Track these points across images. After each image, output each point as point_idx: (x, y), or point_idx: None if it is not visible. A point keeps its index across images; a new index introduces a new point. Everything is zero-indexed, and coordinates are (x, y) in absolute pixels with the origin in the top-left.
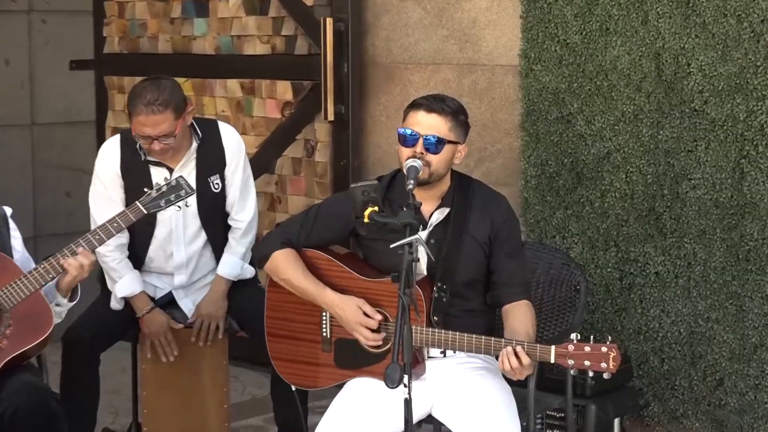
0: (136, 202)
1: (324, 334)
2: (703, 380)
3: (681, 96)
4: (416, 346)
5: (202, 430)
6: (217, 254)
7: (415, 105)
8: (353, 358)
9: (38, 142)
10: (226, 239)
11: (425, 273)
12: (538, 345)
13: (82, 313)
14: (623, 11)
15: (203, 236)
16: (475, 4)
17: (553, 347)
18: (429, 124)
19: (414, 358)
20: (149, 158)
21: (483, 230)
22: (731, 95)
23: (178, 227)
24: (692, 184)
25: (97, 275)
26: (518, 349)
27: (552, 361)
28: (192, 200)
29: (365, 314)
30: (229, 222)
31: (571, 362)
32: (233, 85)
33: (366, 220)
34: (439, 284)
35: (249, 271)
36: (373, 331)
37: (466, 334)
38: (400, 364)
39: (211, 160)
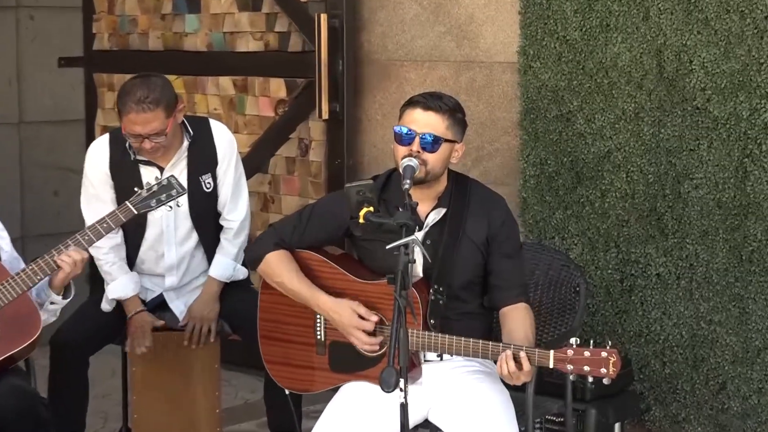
0: (126, 202)
1: (318, 337)
2: (706, 384)
3: (683, 94)
4: (412, 350)
5: None
6: (209, 255)
7: (411, 102)
8: (348, 362)
9: (26, 141)
10: (218, 240)
11: (421, 275)
12: (537, 350)
13: (71, 315)
14: (624, 7)
15: (195, 237)
16: None
17: (551, 352)
18: (426, 122)
19: (410, 361)
20: (139, 157)
21: (480, 231)
22: (734, 93)
23: (169, 228)
24: (694, 183)
25: (86, 276)
26: (521, 354)
27: (551, 366)
28: (183, 200)
29: (360, 317)
30: (221, 222)
31: (570, 367)
32: (225, 82)
33: (361, 220)
34: (435, 286)
35: (241, 273)
36: (369, 334)
37: (463, 338)
38: (396, 367)
39: (203, 159)
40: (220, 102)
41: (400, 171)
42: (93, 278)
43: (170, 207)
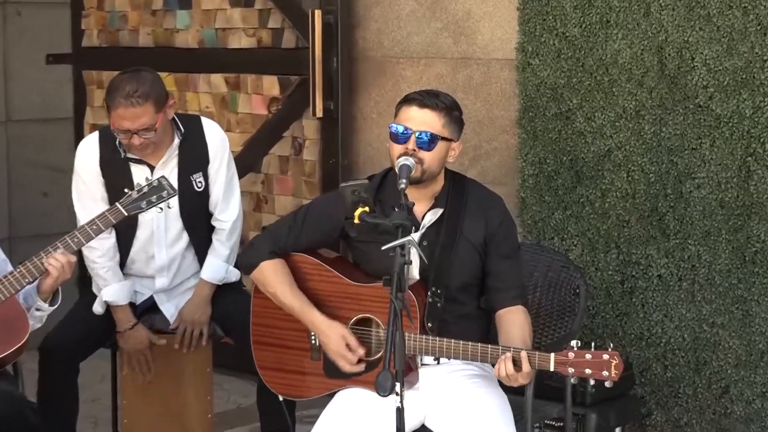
0: (116, 203)
1: (313, 341)
2: (708, 388)
3: (685, 91)
4: (409, 354)
5: None
6: (200, 257)
7: (407, 100)
8: None
9: (13, 140)
10: (210, 241)
11: (417, 277)
12: (537, 353)
13: (60, 320)
14: (624, 3)
15: (185, 238)
16: None
17: (552, 355)
18: (422, 119)
19: (406, 365)
20: (129, 155)
21: (478, 232)
22: (737, 90)
23: (160, 229)
24: (696, 183)
25: (75, 280)
26: (522, 354)
27: (551, 369)
28: (174, 201)
29: (348, 346)
30: (213, 222)
31: (571, 370)
32: (217, 80)
33: (356, 221)
34: (433, 288)
35: (234, 275)
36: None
37: (461, 342)
38: (392, 371)
39: (194, 158)
40: (211, 100)
41: (396, 170)
42: (82, 281)
43: (161, 208)
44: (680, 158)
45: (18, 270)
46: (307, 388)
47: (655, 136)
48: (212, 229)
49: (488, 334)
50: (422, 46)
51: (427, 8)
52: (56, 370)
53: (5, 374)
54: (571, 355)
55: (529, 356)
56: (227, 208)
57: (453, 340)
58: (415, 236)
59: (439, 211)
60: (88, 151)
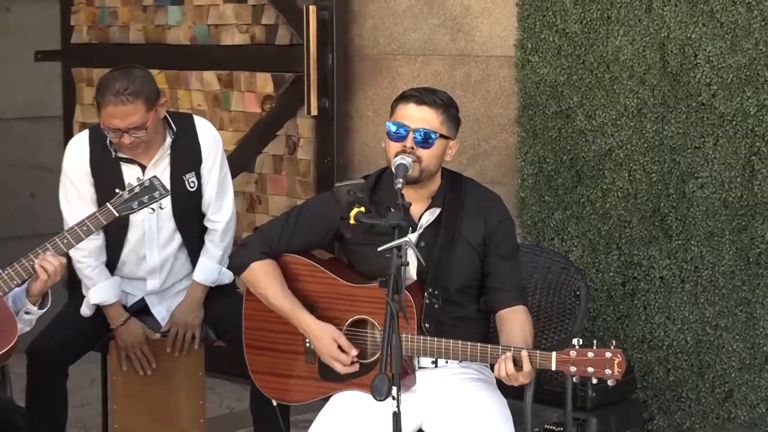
0: (107, 204)
1: (307, 344)
2: (712, 392)
3: (687, 89)
4: (406, 356)
5: None
6: (193, 258)
7: (404, 97)
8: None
9: (1, 139)
10: (202, 242)
11: (415, 278)
12: (538, 352)
13: (49, 323)
14: None
15: (178, 239)
16: None
17: (554, 353)
18: (419, 117)
19: (403, 368)
20: (120, 154)
21: (476, 232)
22: (741, 88)
23: (152, 229)
24: (699, 182)
25: (64, 282)
26: (523, 353)
27: (553, 368)
28: (166, 201)
29: (340, 347)
30: (206, 223)
31: (573, 369)
32: (210, 77)
33: (351, 221)
34: (430, 290)
35: (227, 277)
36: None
37: (460, 342)
38: (389, 375)
39: (186, 157)
40: (204, 98)
41: (393, 169)
42: (71, 284)
43: (152, 209)
44: (683, 157)
45: (6, 272)
46: (302, 392)
47: (658, 135)
48: (205, 229)
49: (487, 337)
50: (419, 42)
51: (424, 4)
52: (45, 375)
53: None
54: (573, 353)
55: (530, 355)
56: (220, 208)
57: (451, 340)
58: (413, 237)
59: (437, 211)
60: (78, 151)
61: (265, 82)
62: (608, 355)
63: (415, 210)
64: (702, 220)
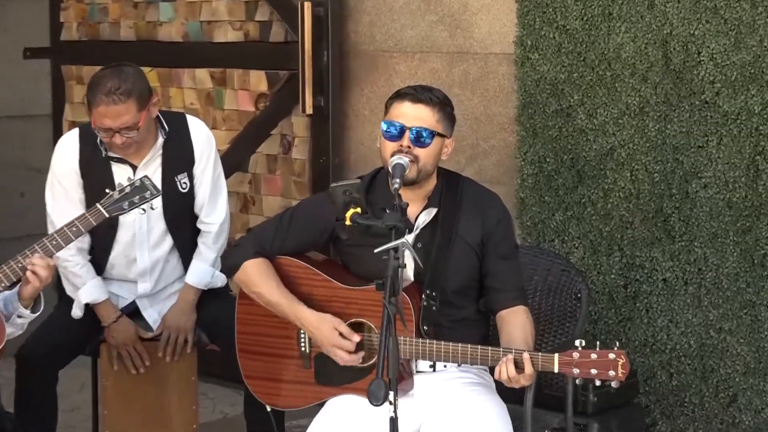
0: (97, 204)
1: (303, 348)
2: (715, 396)
3: (690, 87)
4: (404, 359)
5: None
6: (185, 260)
7: (399, 95)
8: (335, 374)
9: None
10: (194, 244)
11: (412, 279)
12: (540, 353)
13: (38, 326)
14: None
15: (169, 240)
16: None
17: (556, 355)
18: (416, 115)
19: (401, 372)
20: (111, 154)
21: (474, 232)
22: (745, 86)
23: (142, 230)
24: (703, 182)
25: (54, 284)
26: (525, 356)
27: (556, 370)
28: (157, 202)
29: (341, 335)
30: (199, 225)
31: (576, 371)
32: (203, 75)
33: (347, 222)
34: (428, 291)
35: (220, 279)
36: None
37: (460, 344)
38: (385, 379)
39: (179, 157)
40: (196, 96)
41: (389, 169)
42: (61, 285)
43: (143, 210)
44: (686, 157)
45: None
46: (297, 397)
47: (660, 134)
48: (197, 231)
49: (487, 340)
50: (416, 39)
51: (421, 0)
52: (34, 379)
53: None
54: (575, 354)
55: (531, 358)
56: (214, 210)
57: (451, 343)
58: (409, 238)
59: (433, 211)
60: (67, 150)
61: (259, 80)
62: (612, 356)
63: (411, 210)
64: (705, 221)
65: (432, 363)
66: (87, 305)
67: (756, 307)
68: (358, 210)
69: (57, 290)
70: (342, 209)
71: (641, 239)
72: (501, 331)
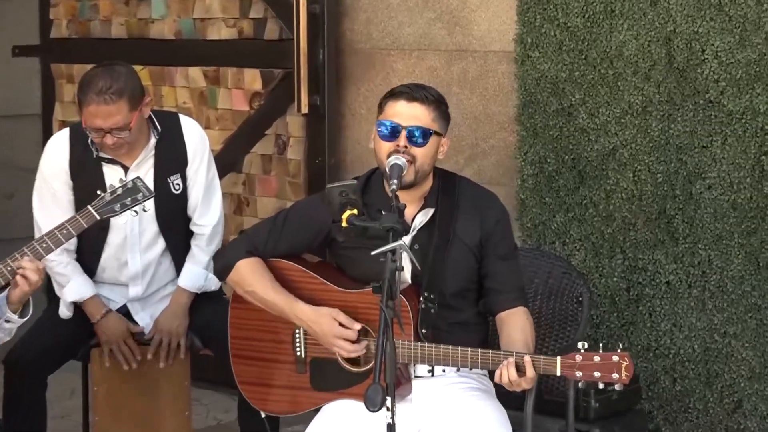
0: (88, 206)
1: (298, 353)
2: (720, 402)
3: (694, 86)
4: (402, 363)
5: None
6: (177, 263)
7: (394, 94)
8: (331, 379)
9: None
10: (187, 246)
11: (409, 281)
12: (542, 356)
13: (27, 330)
14: None
15: (161, 243)
16: None
17: (558, 358)
18: (411, 114)
19: (398, 377)
20: (102, 155)
21: (473, 232)
22: (750, 84)
23: (134, 233)
24: (707, 183)
25: (44, 287)
26: (526, 359)
27: (558, 373)
28: (149, 203)
29: (341, 324)
30: (192, 227)
31: (579, 374)
32: (195, 73)
33: (344, 224)
34: (426, 294)
35: (213, 283)
36: (354, 341)
37: (459, 348)
38: (383, 384)
39: (172, 158)
40: (189, 95)
41: (386, 170)
42: (50, 288)
43: (135, 212)
44: (690, 157)
45: None
46: (293, 403)
47: (663, 134)
48: (190, 234)
49: (486, 344)
50: (414, 37)
51: None
52: (23, 385)
53: None
54: (578, 357)
55: (533, 360)
56: (207, 212)
57: (450, 346)
58: (406, 239)
59: (430, 212)
60: (57, 149)
61: (253, 79)
62: (615, 358)
63: (407, 211)
64: (710, 223)
65: (430, 367)
66: (77, 306)
67: (761, 311)
68: (355, 211)
69: (46, 294)
70: (338, 211)
71: (644, 241)
72: (501, 333)
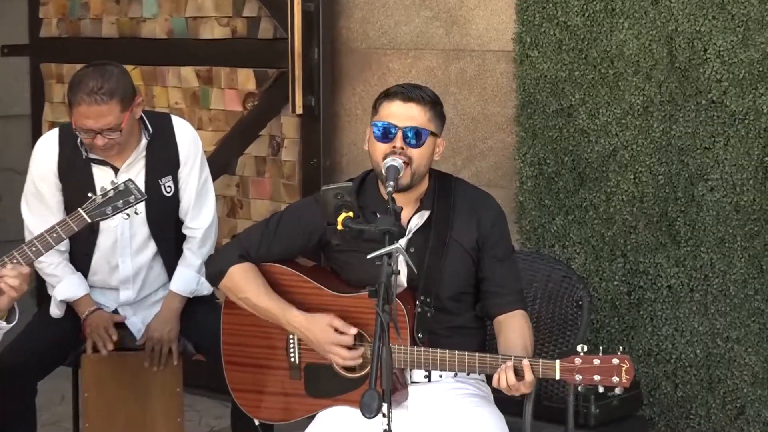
0: (79, 209)
1: (292, 359)
2: (723, 408)
3: (696, 86)
4: (398, 368)
5: None
6: (169, 267)
7: (389, 95)
8: (326, 385)
9: None
10: (179, 250)
11: (405, 285)
12: (541, 360)
13: (16, 335)
14: None
15: (152, 246)
16: None
17: (557, 362)
18: (407, 114)
19: (394, 383)
20: (92, 156)
21: (469, 234)
22: (753, 84)
23: (124, 236)
24: (709, 185)
25: (33, 290)
26: (524, 363)
27: (557, 377)
28: (140, 206)
29: (337, 330)
30: (184, 231)
31: (578, 378)
32: (188, 73)
33: (339, 227)
34: (422, 297)
35: (206, 287)
36: (350, 347)
37: (456, 352)
38: (379, 390)
39: (163, 160)
40: (181, 95)
41: (382, 172)
42: (40, 292)
43: (127, 215)
44: (692, 158)
45: None
46: (287, 410)
47: (665, 135)
48: (182, 237)
49: (484, 348)
50: (411, 36)
51: None
52: (12, 391)
53: None
54: (577, 360)
55: (532, 364)
56: (200, 214)
57: (447, 351)
58: (402, 242)
59: (426, 214)
60: (46, 151)
61: (246, 79)
62: (615, 361)
63: (403, 214)
64: (712, 226)
65: (427, 373)
66: (67, 309)
67: (765, 315)
68: (350, 214)
69: (35, 297)
70: (333, 213)
71: (645, 244)
72: (498, 337)
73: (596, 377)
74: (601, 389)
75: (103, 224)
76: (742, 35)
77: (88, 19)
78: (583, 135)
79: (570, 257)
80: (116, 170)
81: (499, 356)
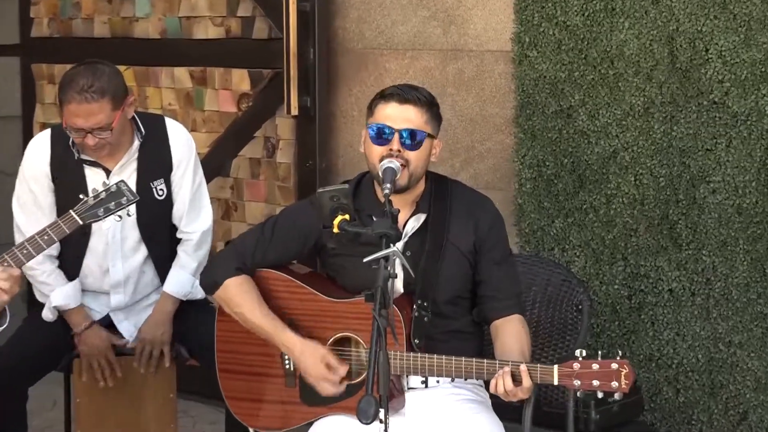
0: (71, 211)
1: (287, 366)
2: (725, 414)
3: (698, 86)
4: (395, 375)
5: None
6: (161, 272)
7: (385, 96)
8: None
9: None
10: (171, 254)
11: (401, 290)
12: (539, 365)
13: (7, 339)
14: None
15: (143, 250)
16: None
17: (556, 367)
18: (404, 116)
19: (391, 389)
20: (83, 157)
21: (466, 238)
22: (756, 85)
23: (115, 239)
24: (711, 187)
25: (23, 294)
26: (522, 368)
27: (555, 382)
28: (132, 208)
29: (329, 366)
30: (179, 235)
31: (577, 383)
32: (181, 74)
33: (335, 229)
34: (419, 302)
35: (200, 291)
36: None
37: (453, 357)
38: (376, 396)
39: (156, 162)
40: (175, 96)
41: (379, 174)
42: (31, 296)
43: (119, 217)
44: (693, 160)
45: None
46: (282, 418)
47: (666, 136)
48: (174, 241)
49: (481, 353)
50: (408, 36)
51: None
52: (2, 396)
53: None
54: (576, 365)
55: (529, 370)
56: (196, 218)
57: (444, 356)
58: (398, 246)
59: (422, 217)
60: (38, 152)
61: (241, 79)
62: (614, 366)
63: (399, 217)
64: (714, 228)
65: (424, 379)
66: (59, 314)
67: (767, 319)
68: (347, 217)
69: (26, 302)
70: (329, 216)
71: (646, 247)
72: (495, 342)
73: (595, 382)
74: (600, 395)
75: (94, 226)
76: (744, 35)
77: (80, 18)
78: (583, 136)
79: (570, 260)
80: (108, 172)
81: (496, 361)
